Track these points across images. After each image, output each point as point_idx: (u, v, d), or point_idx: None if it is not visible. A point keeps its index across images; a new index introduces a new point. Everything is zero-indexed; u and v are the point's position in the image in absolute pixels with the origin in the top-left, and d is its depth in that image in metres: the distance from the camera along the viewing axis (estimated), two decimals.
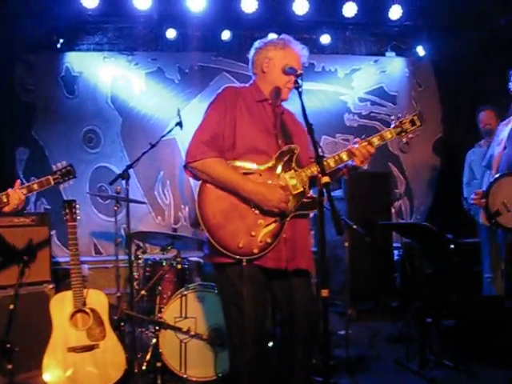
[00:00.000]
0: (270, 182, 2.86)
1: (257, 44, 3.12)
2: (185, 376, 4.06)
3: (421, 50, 7.49)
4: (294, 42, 3.08)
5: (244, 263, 2.76)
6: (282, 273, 2.88)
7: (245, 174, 2.84)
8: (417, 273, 4.89)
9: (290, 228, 2.88)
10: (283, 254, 2.86)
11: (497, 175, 3.97)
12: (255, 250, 2.78)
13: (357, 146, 2.94)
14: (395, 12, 6.62)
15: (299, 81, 2.81)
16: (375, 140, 2.97)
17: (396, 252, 6.67)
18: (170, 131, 4.76)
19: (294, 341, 2.96)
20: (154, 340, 4.18)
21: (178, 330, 4.10)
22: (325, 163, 2.85)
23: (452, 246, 4.85)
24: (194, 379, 4.07)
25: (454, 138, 7.50)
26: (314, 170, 2.88)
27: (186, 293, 4.17)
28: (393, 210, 6.96)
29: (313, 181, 2.88)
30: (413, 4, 6.59)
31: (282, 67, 2.97)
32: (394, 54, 7.64)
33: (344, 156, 2.94)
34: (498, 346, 4.30)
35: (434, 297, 4.73)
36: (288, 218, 2.86)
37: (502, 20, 6.65)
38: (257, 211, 2.82)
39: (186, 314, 4.13)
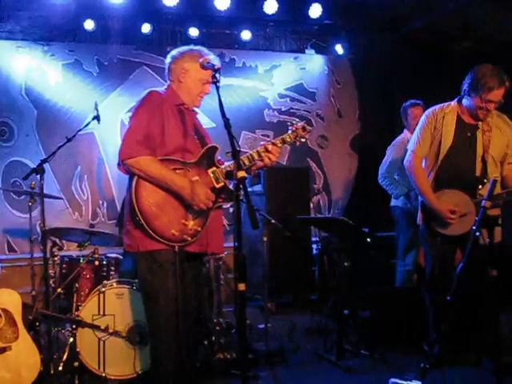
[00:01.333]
0: (196, 177, 3.12)
1: (174, 53, 3.33)
2: (103, 375, 3.98)
3: (339, 49, 7.65)
4: (209, 53, 3.28)
5: (177, 249, 3.03)
6: (197, 256, 3.28)
7: (175, 169, 3.10)
8: (335, 266, 5.00)
9: (210, 217, 3.18)
10: (204, 239, 3.19)
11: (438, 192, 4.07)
12: (187, 237, 3.08)
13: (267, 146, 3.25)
14: (315, 10, 6.72)
15: (217, 75, 2.95)
16: (278, 142, 3.29)
17: (314, 246, 6.81)
18: (87, 125, 4.67)
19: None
20: (71, 339, 4.08)
21: (95, 327, 4.01)
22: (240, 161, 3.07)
23: (368, 240, 5.00)
24: (113, 378, 4.00)
25: (371, 134, 7.73)
26: (232, 166, 3.06)
27: (104, 290, 4.10)
28: (311, 205, 7.09)
29: (229, 175, 3.16)
30: (332, 3, 6.73)
31: (200, 64, 3.13)
32: (313, 51, 7.77)
33: (255, 155, 3.24)
34: (409, 334, 4.49)
35: (351, 289, 4.87)
36: (212, 209, 3.16)
37: (418, 22, 6.92)
38: (187, 203, 3.09)
39: (105, 311, 4.06)
